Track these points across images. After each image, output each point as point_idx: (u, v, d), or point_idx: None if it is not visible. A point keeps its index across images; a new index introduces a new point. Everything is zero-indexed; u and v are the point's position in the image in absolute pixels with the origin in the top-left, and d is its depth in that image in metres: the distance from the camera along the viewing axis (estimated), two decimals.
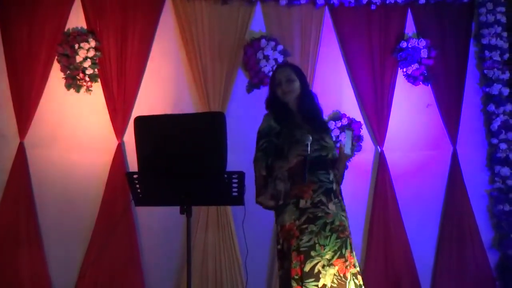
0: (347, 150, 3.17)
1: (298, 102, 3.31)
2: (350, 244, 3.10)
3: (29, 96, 4.93)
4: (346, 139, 3.20)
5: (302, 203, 3.09)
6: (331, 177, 3.16)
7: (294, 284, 3.00)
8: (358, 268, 3.13)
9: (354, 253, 3.15)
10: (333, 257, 3.01)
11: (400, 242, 5.08)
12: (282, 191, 3.13)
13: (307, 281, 2.97)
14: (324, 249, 3.01)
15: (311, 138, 3.01)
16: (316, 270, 2.98)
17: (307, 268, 2.99)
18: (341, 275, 2.99)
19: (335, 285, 2.98)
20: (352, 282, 3.02)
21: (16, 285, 4.73)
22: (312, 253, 3.00)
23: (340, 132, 5.10)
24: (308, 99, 3.34)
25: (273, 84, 3.35)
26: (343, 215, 3.14)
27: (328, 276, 2.98)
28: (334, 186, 3.17)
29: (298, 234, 3.05)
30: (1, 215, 4.80)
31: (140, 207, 4.47)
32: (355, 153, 5.04)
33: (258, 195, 3.18)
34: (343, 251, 3.04)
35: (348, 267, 3.03)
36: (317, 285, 2.96)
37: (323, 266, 2.99)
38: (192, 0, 5.15)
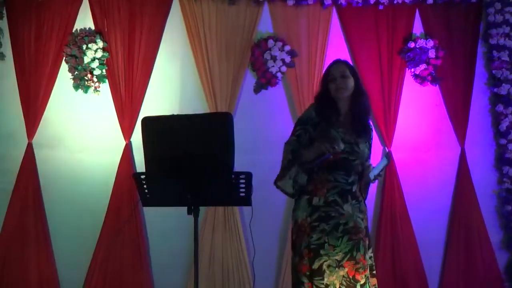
0: (371, 174, 3.15)
1: (351, 100, 3.25)
2: (364, 247, 3.06)
3: (37, 97, 4.97)
4: (378, 165, 3.19)
5: (315, 200, 3.08)
6: (351, 179, 3.12)
7: (305, 280, 3.01)
8: (374, 271, 3.13)
9: (370, 255, 3.14)
10: (343, 258, 3.00)
11: (408, 243, 5.06)
12: (300, 184, 3.12)
13: (315, 278, 2.98)
14: (334, 250, 3.00)
15: (342, 146, 2.99)
16: (323, 269, 2.98)
17: (315, 265, 2.99)
18: (351, 277, 2.98)
19: (344, 287, 2.97)
20: (366, 285, 3.01)
21: (24, 285, 4.77)
22: (321, 252, 3.00)
23: None
24: (361, 99, 3.27)
25: (326, 79, 3.27)
26: (359, 217, 3.10)
27: (336, 277, 2.97)
28: (354, 188, 3.14)
29: (309, 231, 3.05)
30: (9, 215, 4.84)
31: (147, 207, 4.49)
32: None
33: (280, 178, 3.15)
34: (355, 253, 3.01)
35: (360, 270, 3.01)
36: (323, 283, 2.96)
37: (329, 266, 2.98)
38: (200, 1, 5.16)
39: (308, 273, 3.01)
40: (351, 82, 3.23)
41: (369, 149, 3.26)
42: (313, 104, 3.29)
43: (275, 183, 3.17)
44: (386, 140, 5.20)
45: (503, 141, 5.25)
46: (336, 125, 3.14)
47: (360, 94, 3.27)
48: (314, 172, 3.11)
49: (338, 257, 2.99)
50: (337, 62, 3.35)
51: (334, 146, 2.97)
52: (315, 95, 3.37)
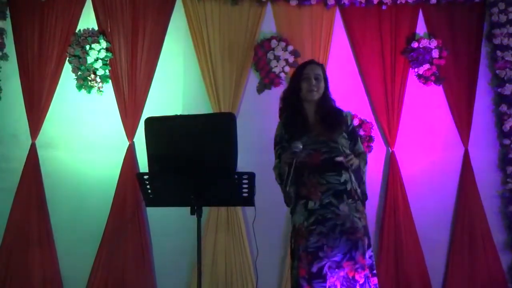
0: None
1: (318, 104, 3.28)
2: (363, 246, 3.07)
3: (41, 97, 4.98)
4: None
5: (310, 204, 3.10)
6: (343, 178, 3.13)
7: (303, 283, 3.01)
8: (374, 270, 3.13)
9: (370, 254, 3.14)
10: (342, 259, 3.01)
11: (411, 243, 5.05)
12: (292, 195, 3.18)
13: (315, 281, 2.98)
14: (333, 251, 3.01)
15: (300, 146, 3.00)
16: (323, 271, 2.98)
17: (314, 268, 2.99)
18: (350, 277, 2.99)
19: None
20: (366, 284, 3.01)
21: (27, 284, 4.77)
22: (320, 254, 3.01)
23: None
24: (328, 104, 3.30)
25: (298, 78, 3.29)
26: (356, 216, 3.11)
27: (337, 278, 2.97)
28: (348, 186, 3.14)
29: (306, 235, 3.06)
30: (13, 215, 4.84)
31: (150, 207, 4.49)
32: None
33: (287, 202, 3.26)
34: (353, 253, 3.02)
35: (359, 270, 3.01)
36: (324, 286, 2.96)
37: (329, 268, 2.98)
38: (203, 1, 5.16)
39: (306, 276, 3.01)
40: (322, 86, 3.25)
41: (348, 138, 3.23)
42: (280, 122, 3.35)
43: (287, 206, 3.28)
44: (390, 140, 5.19)
45: (506, 142, 5.24)
46: (307, 131, 3.17)
47: (327, 100, 3.31)
48: (305, 177, 3.12)
49: (337, 259, 3.01)
50: (313, 62, 3.36)
51: (293, 151, 2.99)
52: (283, 91, 3.40)
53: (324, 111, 3.26)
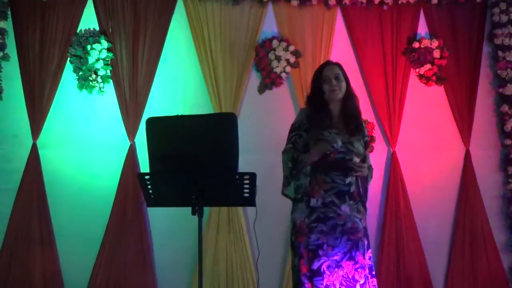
0: None
1: (342, 103, 3.29)
2: (363, 247, 3.09)
3: (42, 97, 4.97)
4: None
5: (312, 202, 3.11)
6: (349, 180, 3.14)
7: (305, 280, 3.04)
8: (373, 271, 3.14)
9: (370, 255, 3.16)
10: (342, 258, 3.02)
11: (412, 243, 5.05)
12: (303, 186, 3.16)
13: (315, 279, 3.00)
14: (333, 250, 3.02)
15: (340, 143, 3.06)
16: (322, 269, 3.00)
17: (315, 266, 3.01)
18: (350, 277, 3.00)
19: (344, 287, 2.99)
20: (366, 285, 3.02)
21: (29, 284, 4.78)
22: (320, 252, 3.03)
23: None
24: (352, 102, 3.32)
25: (318, 80, 3.30)
26: (357, 217, 3.13)
27: (336, 278, 2.98)
28: (352, 188, 3.15)
29: (307, 232, 3.07)
30: (14, 215, 4.85)
31: (152, 207, 4.50)
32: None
33: (285, 187, 3.24)
34: (353, 253, 3.04)
35: (359, 270, 3.02)
36: (323, 284, 2.98)
37: (328, 267, 2.99)
38: (204, 1, 5.16)
39: (308, 273, 3.03)
40: (344, 85, 3.26)
41: (364, 146, 3.28)
42: (304, 109, 3.33)
43: (283, 192, 3.26)
44: (391, 140, 5.19)
45: (508, 142, 5.23)
46: (329, 126, 3.18)
47: (351, 97, 3.33)
48: (310, 174, 3.13)
49: (337, 258, 3.02)
50: (330, 63, 3.37)
51: (333, 145, 3.05)
52: (307, 96, 3.40)
53: (348, 112, 3.28)
